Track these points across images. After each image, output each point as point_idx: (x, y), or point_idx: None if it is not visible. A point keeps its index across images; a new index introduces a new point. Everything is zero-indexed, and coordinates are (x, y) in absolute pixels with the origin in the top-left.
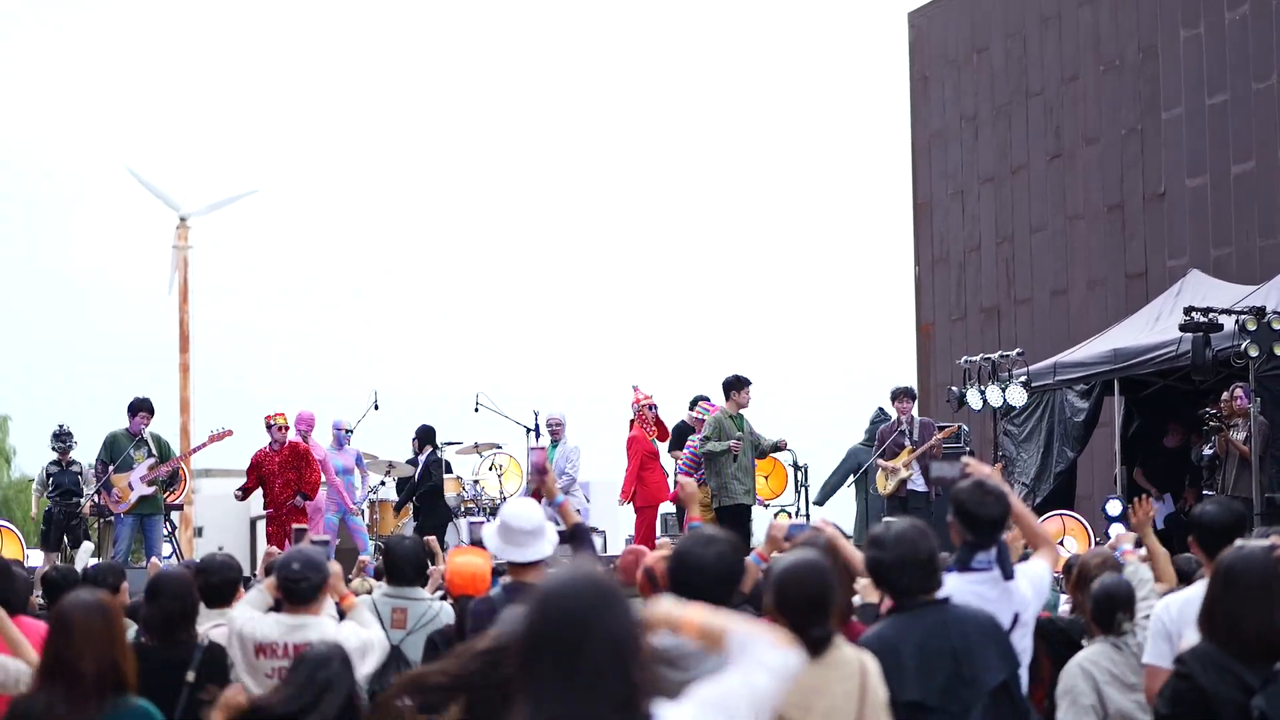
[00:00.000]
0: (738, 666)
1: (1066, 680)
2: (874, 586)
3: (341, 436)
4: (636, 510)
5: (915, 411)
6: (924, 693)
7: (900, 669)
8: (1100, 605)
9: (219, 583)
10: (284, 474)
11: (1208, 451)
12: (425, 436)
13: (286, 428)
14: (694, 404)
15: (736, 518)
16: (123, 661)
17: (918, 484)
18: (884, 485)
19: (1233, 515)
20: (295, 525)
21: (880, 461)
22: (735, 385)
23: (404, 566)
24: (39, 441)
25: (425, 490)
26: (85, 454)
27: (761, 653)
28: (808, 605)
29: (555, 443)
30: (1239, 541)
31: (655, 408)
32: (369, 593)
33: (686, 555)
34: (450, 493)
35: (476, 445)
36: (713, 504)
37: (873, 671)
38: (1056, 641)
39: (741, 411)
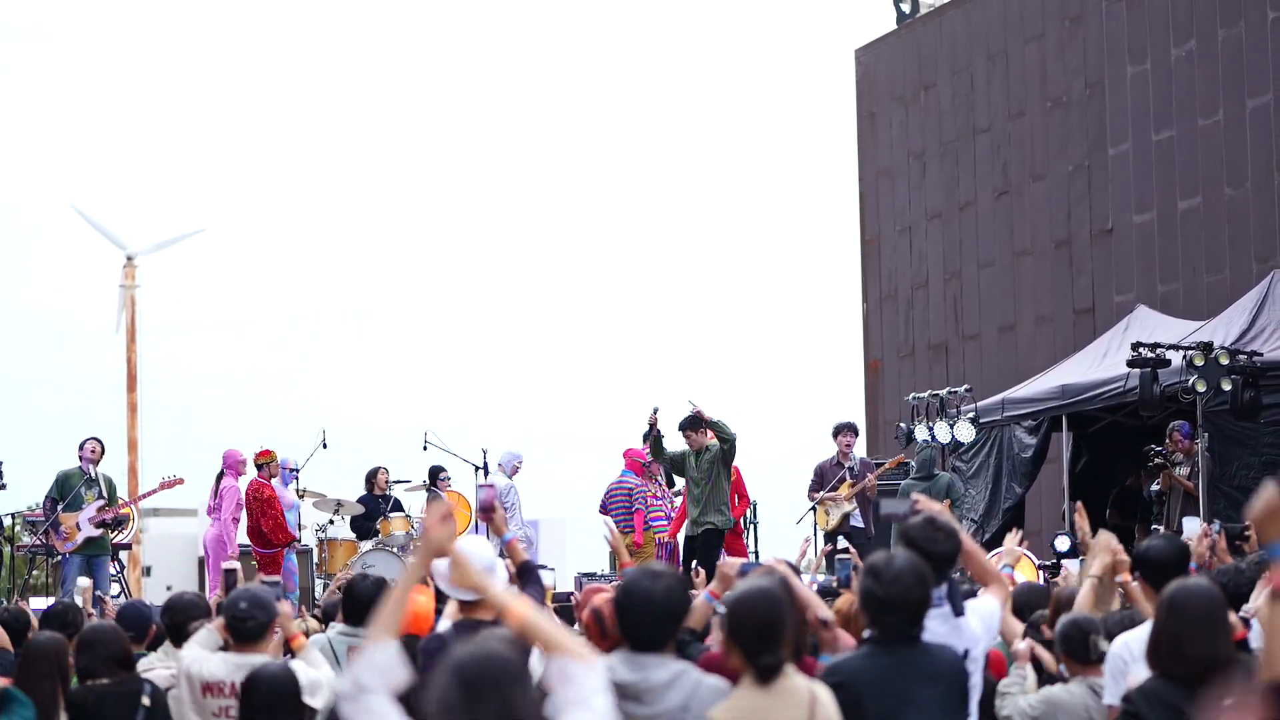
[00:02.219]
0: (576, 700)
1: (1028, 707)
2: (861, 612)
3: (286, 475)
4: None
5: (861, 449)
6: None
7: (857, 705)
8: (1070, 637)
9: (184, 621)
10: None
11: (1155, 488)
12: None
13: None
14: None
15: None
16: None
17: (858, 520)
18: (825, 521)
19: (1176, 550)
20: (224, 565)
21: (823, 495)
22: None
23: (364, 606)
24: None
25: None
26: (17, 491)
27: (581, 680)
28: (759, 633)
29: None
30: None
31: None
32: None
33: (633, 589)
34: (399, 530)
35: (425, 484)
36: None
37: (824, 701)
38: None
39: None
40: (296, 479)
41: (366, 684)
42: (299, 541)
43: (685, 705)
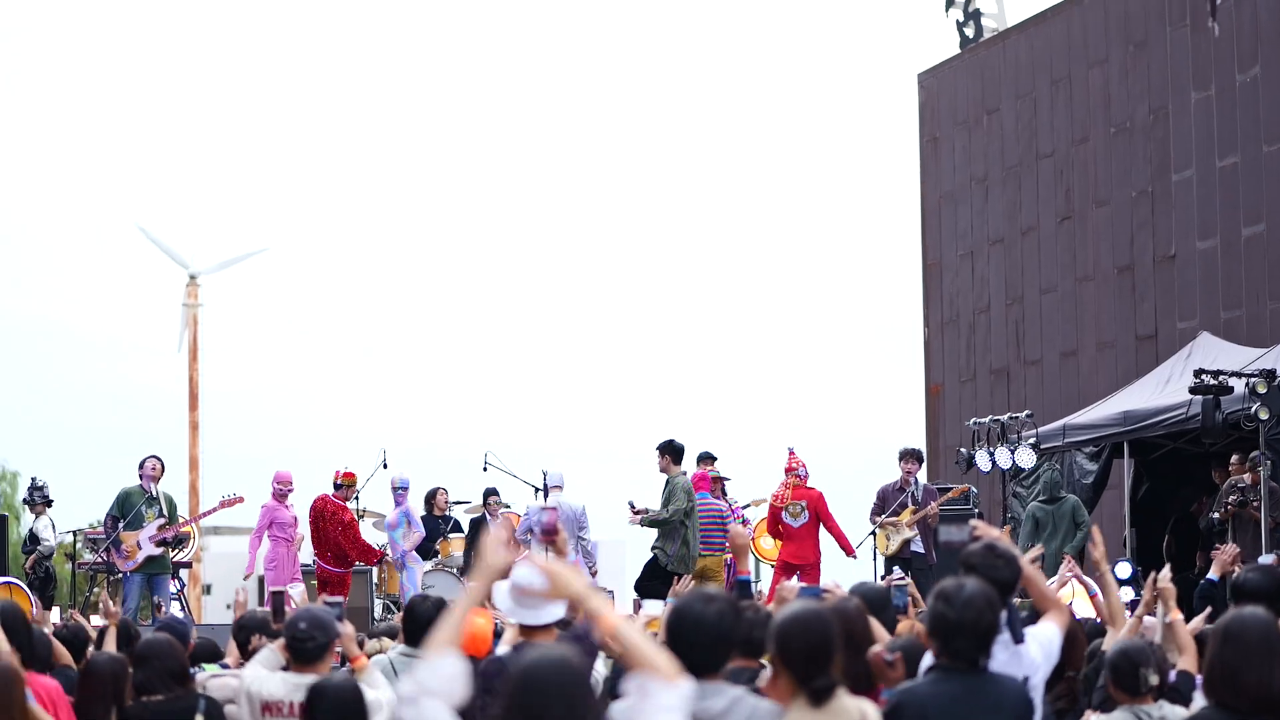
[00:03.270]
0: (644, 716)
1: None
2: (928, 638)
3: (399, 495)
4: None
5: (923, 475)
6: None
7: None
8: (1120, 668)
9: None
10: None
11: (1215, 516)
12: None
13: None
14: (702, 460)
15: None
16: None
17: (918, 545)
18: (885, 546)
19: (1273, 581)
20: (272, 589)
21: (883, 520)
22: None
23: (424, 627)
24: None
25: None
26: (78, 509)
27: (658, 698)
28: (809, 656)
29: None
30: None
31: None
32: (381, 653)
33: (685, 612)
34: (458, 551)
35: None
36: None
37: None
38: None
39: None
40: (405, 494)
41: (430, 688)
42: (387, 557)
43: None
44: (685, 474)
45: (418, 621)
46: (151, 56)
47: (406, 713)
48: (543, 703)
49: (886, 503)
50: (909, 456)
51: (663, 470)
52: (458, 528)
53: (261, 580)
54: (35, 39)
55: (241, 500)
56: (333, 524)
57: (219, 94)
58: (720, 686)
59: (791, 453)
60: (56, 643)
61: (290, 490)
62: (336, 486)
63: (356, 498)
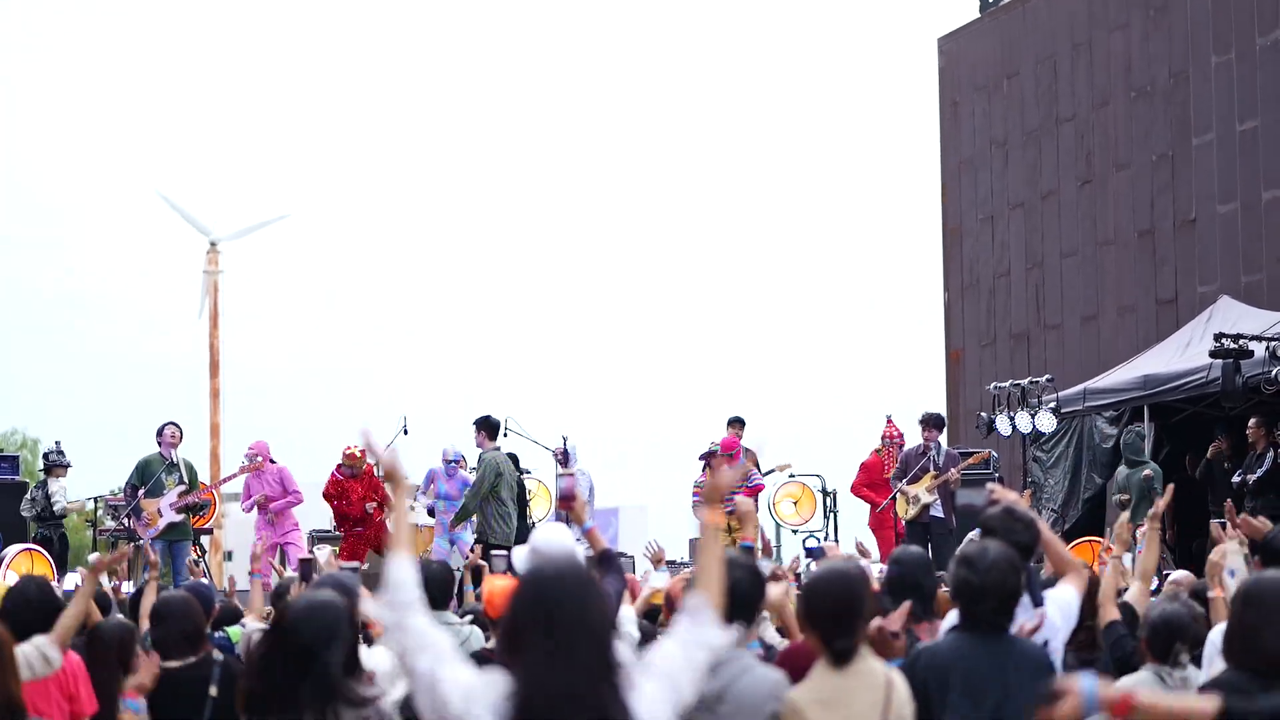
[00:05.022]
0: (680, 636)
1: None
2: (951, 601)
3: (450, 468)
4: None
5: (944, 440)
6: (961, 719)
7: (945, 690)
8: (1158, 633)
9: None
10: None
11: (1249, 478)
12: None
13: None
14: (732, 424)
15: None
16: (16, 690)
17: (938, 510)
18: (905, 510)
19: None
20: (300, 556)
21: (902, 486)
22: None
23: (432, 590)
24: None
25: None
26: (99, 476)
27: (702, 629)
28: (835, 616)
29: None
30: None
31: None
32: None
33: None
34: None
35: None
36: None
37: (899, 687)
38: None
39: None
40: (460, 466)
41: (401, 600)
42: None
43: (720, 695)
44: (499, 449)
45: (427, 585)
46: (173, 23)
47: (395, 639)
48: (551, 599)
49: (908, 467)
50: (930, 422)
51: (478, 445)
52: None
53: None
54: (57, 6)
55: (261, 467)
56: (343, 500)
57: (240, 61)
58: (735, 652)
59: (890, 421)
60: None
61: (255, 455)
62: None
63: (460, 465)
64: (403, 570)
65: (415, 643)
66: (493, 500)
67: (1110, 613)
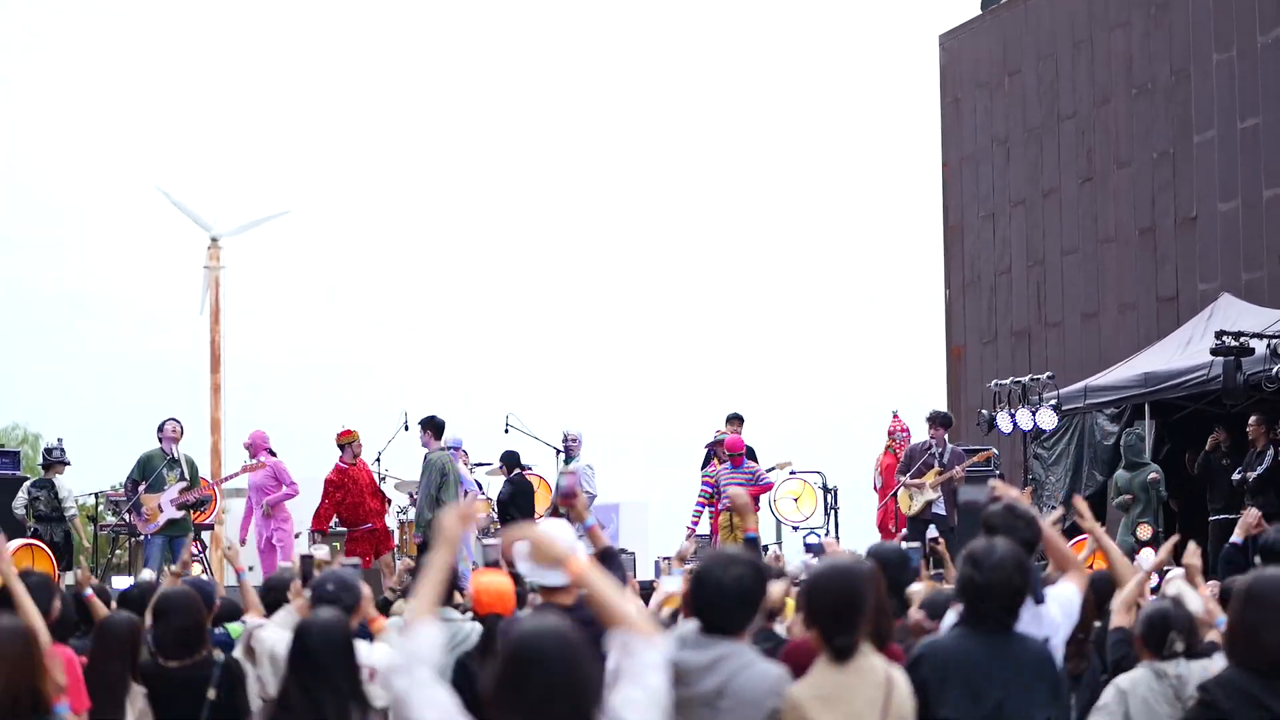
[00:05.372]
0: (630, 676)
1: (1103, 698)
2: (957, 599)
3: (455, 455)
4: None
5: (948, 439)
6: (961, 716)
7: (944, 684)
8: (1153, 626)
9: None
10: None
11: (1248, 475)
12: (511, 461)
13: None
14: (730, 421)
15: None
16: (41, 685)
17: (940, 508)
18: (908, 505)
19: None
20: (301, 554)
21: (905, 480)
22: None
23: None
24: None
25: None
26: (100, 471)
27: (639, 654)
28: (835, 613)
29: (570, 459)
30: None
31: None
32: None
33: (706, 576)
34: (480, 513)
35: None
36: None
37: (900, 683)
38: None
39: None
40: (466, 456)
41: (420, 655)
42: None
43: (720, 690)
44: (445, 449)
45: None
46: (173, 21)
47: (399, 681)
48: (533, 672)
49: (912, 462)
50: (937, 421)
51: (424, 445)
52: (480, 490)
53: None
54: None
55: (263, 465)
56: (348, 491)
57: (240, 58)
58: (717, 643)
59: (896, 416)
60: (98, 602)
61: (252, 448)
62: (340, 448)
63: (378, 459)
64: (428, 628)
65: (420, 695)
66: (437, 503)
67: (1122, 619)
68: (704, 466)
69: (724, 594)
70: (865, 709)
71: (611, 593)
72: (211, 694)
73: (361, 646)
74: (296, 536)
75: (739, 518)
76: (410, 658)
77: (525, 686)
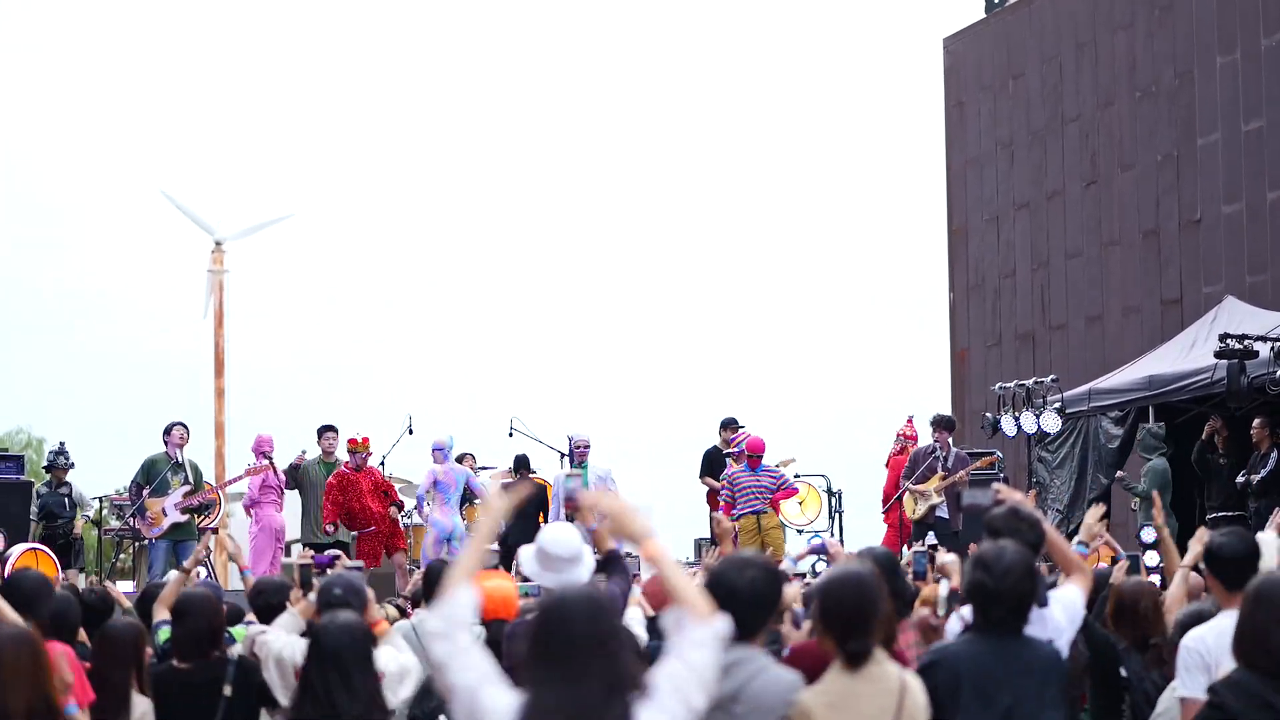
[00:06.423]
0: (675, 650)
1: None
2: (968, 602)
3: (445, 455)
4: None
5: (951, 442)
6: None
7: (955, 690)
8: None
9: (277, 603)
10: (377, 494)
11: (1252, 479)
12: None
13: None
14: (725, 426)
15: None
16: (52, 694)
17: (944, 512)
18: (913, 509)
19: (1248, 546)
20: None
21: (910, 485)
22: None
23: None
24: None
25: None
26: (104, 475)
27: (692, 631)
28: (848, 619)
29: (581, 464)
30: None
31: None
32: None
33: (720, 578)
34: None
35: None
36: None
37: (914, 689)
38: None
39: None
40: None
41: (459, 619)
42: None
43: (735, 695)
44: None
45: (435, 586)
46: (175, 22)
47: (439, 646)
48: (568, 630)
49: (916, 466)
50: (941, 424)
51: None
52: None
53: (289, 546)
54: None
55: (269, 467)
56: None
57: (244, 60)
58: (739, 647)
59: (910, 422)
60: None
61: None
62: (350, 454)
63: (382, 463)
64: (465, 592)
65: (461, 660)
66: None
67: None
68: (703, 474)
69: (738, 598)
70: (876, 716)
71: (679, 574)
72: (227, 690)
73: None
74: (289, 546)
75: (722, 544)
76: (449, 622)
77: (554, 644)
